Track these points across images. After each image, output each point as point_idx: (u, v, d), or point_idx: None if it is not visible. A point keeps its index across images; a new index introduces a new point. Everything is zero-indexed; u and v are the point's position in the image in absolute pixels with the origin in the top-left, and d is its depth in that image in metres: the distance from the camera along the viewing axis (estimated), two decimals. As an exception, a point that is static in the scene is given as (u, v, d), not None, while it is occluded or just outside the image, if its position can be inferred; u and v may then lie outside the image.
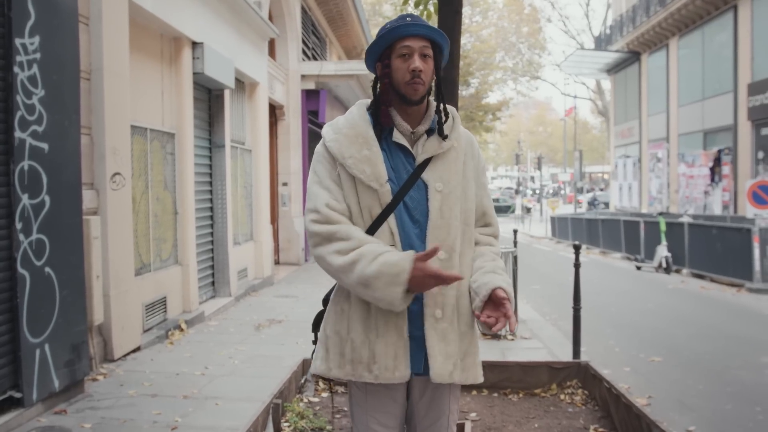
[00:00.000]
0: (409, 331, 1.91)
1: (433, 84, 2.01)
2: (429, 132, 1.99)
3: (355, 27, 17.65)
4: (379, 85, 1.99)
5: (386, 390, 1.98)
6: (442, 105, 2.00)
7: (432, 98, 2.04)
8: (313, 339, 2.15)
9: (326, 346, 1.99)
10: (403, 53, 1.91)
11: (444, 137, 1.98)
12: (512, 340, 6.63)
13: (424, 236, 1.93)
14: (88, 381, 4.92)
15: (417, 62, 1.89)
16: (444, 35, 1.95)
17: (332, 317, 2.00)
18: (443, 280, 1.77)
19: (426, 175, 1.95)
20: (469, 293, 2.00)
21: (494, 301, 1.88)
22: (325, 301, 2.11)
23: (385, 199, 1.91)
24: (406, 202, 1.93)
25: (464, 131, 2.10)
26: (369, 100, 2.07)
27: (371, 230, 1.92)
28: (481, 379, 2.03)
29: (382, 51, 1.96)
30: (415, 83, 1.89)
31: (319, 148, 2.01)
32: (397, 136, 1.96)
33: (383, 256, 1.80)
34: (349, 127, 1.99)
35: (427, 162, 1.96)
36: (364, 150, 1.93)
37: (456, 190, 1.98)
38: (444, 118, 2.00)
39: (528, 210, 36.08)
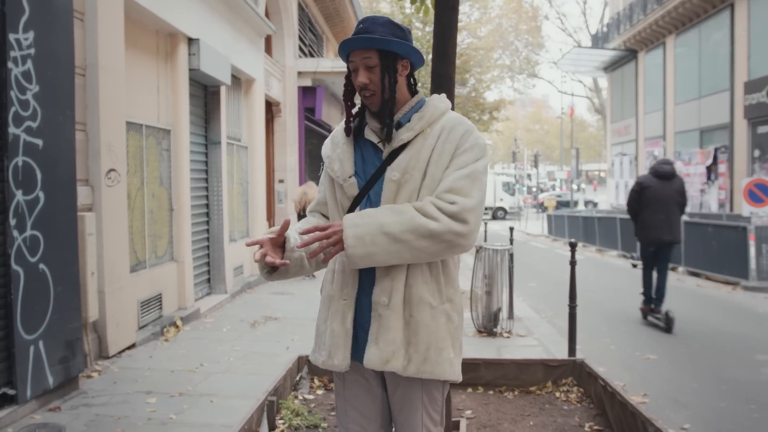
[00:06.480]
0: (360, 322, 1.97)
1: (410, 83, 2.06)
2: (398, 126, 2.01)
3: (352, 24, 17.61)
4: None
5: (363, 380, 2.05)
6: (387, 113, 1.95)
7: (406, 91, 2.05)
8: None
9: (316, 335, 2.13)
10: (354, 68, 1.97)
11: (390, 136, 1.96)
12: (508, 337, 6.63)
13: None
14: (83, 378, 4.91)
15: (361, 77, 1.95)
16: (389, 41, 1.90)
17: None
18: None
19: (387, 167, 1.98)
20: None
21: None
22: None
23: (351, 192, 2.00)
24: (370, 196, 1.99)
25: (451, 117, 2.00)
26: None
27: None
28: (451, 377, 1.95)
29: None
30: (365, 96, 1.97)
31: None
32: (368, 133, 2.04)
33: None
34: (336, 129, 2.14)
35: (395, 155, 1.97)
36: (337, 148, 2.07)
37: (417, 178, 1.92)
38: (389, 127, 1.95)
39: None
